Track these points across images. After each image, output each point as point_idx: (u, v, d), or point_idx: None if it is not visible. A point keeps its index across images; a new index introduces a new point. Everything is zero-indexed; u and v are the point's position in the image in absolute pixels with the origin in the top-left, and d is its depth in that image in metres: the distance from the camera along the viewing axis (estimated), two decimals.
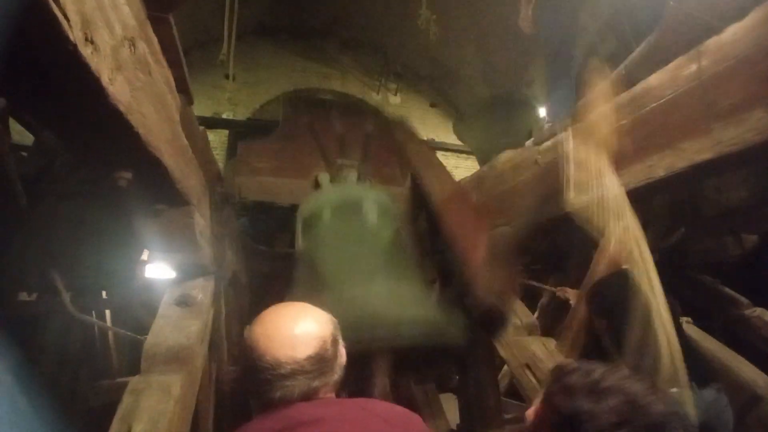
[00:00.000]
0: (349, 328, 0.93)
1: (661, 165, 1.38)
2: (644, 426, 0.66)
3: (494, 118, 4.47)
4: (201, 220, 1.70)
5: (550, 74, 2.41)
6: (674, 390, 1.36)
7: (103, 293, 2.40)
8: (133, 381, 1.31)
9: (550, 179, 1.89)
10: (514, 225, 2.14)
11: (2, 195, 1.85)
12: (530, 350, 1.87)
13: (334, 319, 0.89)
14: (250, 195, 2.92)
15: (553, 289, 2.62)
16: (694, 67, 1.28)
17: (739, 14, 1.17)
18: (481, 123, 4.69)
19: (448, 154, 5.84)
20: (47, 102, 0.82)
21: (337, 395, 0.86)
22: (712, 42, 1.23)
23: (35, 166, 2.25)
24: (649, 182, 1.43)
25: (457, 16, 4.13)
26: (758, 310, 2.47)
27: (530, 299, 2.64)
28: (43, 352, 2.44)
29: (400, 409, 0.85)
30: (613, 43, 2.50)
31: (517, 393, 2.66)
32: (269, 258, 3.28)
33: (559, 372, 0.78)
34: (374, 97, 6.10)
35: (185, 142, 1.46)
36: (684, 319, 2.33)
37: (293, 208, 3.10)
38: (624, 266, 1.71)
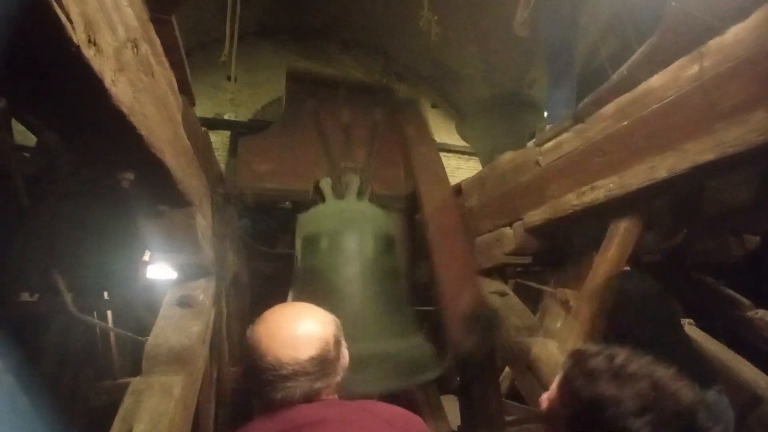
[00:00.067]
0: None
1: (663, 166, 1.38)
2: (672, 413, 0.62)
3: (498, 118, 4.47)
4: (203, 221, 1.70)
5: (551, 75, 2.41)
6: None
7: (105, 294, 2.40)
8: (135, 381, 1.31)
9: (551, 180, 1.89)
10: (516, 227, 2.14)
11: (4, 195, 1.85)
12: (532, 352, 1.87)
13: (336, 319, 0.88)
14: (251, 198, 2.91)
15: (552, 290, 2.61)
16: (695, 68, 1.27)
17: (741, 15, 1.17)
18: (485, 123, 4.69)
19: (450, 155, 5.84)
20: (50, 103, 0.83)
21: (339, 397, 0.86)
22: (714, 43, 1.23)
23: (37, 166, 2.26)
24: (651, 183, 1.43)
25: (458, 16, 4.14)
26: (760, 312, 2.47)
27: (531, 301, 2.63)
28: (44, 352, 2.44)
29: (402, 411, 0.85)
30: (614, 44, 2.50)
31: (518, 395, 2.66)
32: (270, 259, 3.28)
33: (579, 356, 0.73)
34: None
35: (187, 143, 1.47)
36: (686, 320, 2.33)
37: (295, 209, 3.11)
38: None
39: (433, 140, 3.20)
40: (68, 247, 2.09)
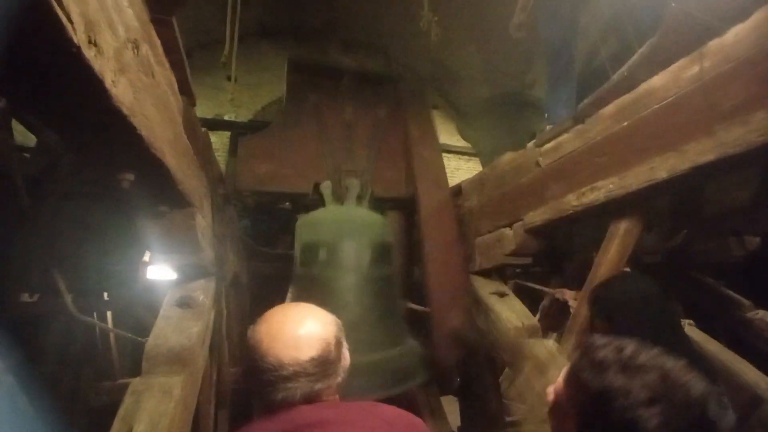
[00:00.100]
0: None
1: (663, 167, 1.38)
2: (683, 403, 0.61)
3: (499, 119, 4.47)
4: (203, 222, 1.70)
5: (551, 75, 2.41)
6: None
7: (105, 294, 2.40)
8: (134, 382, 1.31)
9: (551, 181, 1.89)
10: (515, 227, 2.14)
11: (5, 195, 1.85)
12: (532, 353, 1.87)
13: (338, 320, 0.88)
14: (251, 199, 2.89)
15: (552, 291, 2.62)
16: (696, 68, 1.27)
17: (741, 15, 1.17)
18: (486, 124, 4.69)
19: (450, 156, 5.84)
20: (50, 103, 0.83)
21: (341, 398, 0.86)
22: (714, 43, 1.23)
23: (37, 166, 2.26)
24: (652, 184, 1.43)
25: (458, 17, 4.14)
26: (760, 312, 2.46)
27: (532, 301, 2.63)
28: (44, 352, 2.44)
29: (403, 413, 0.85)
30: (614, 44, 2.49)
31: (518, 395, 2.65)
32: (270, 259, 3.28)
33: (587, 347, 0.72)
34: None
35: (187, 143, 1.47)
36: (686, 321, 2.32)
37: (294, 209, 3.10)
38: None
39: (436, 139, 3.14)
40: (68, 248, 2.09)
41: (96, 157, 1.09)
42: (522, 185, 2.10)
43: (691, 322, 2.35)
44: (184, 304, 1.60)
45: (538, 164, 1.97)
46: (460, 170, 5.64)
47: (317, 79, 3.05)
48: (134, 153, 1.02)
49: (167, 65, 1.30)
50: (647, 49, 1.45)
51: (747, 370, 2.20)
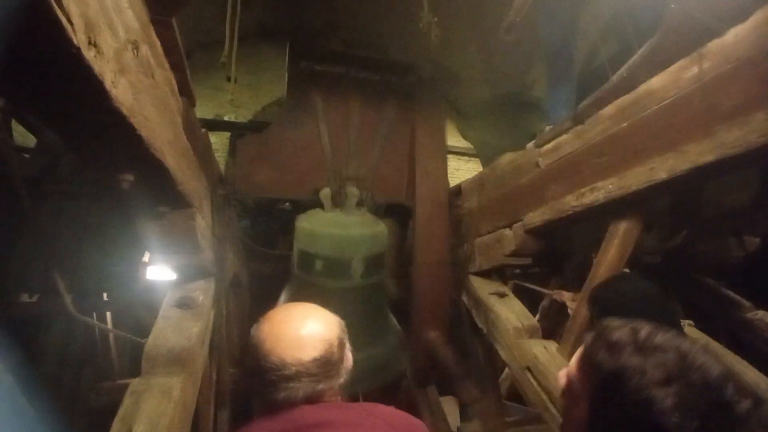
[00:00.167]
0: None
1: (663, 167, 1.38)
2: (700, 384, 0.59)
3: (499, 119, 4.47)
4: (202, 222, 1.70)
5: (551, 76, 2.41)
6: None
7: (105, 294, 2.40)
8: (134, 383, 1.31)
9: (551, 181, 1.89)
10: (515, 228, 2.14)
11: (5, 196, 1.85)
12: (531, 353, 1.87)
13: (341, 321, 0.88)
14: (250, 201, 2.89)
15: (550, 292, 2.62)
16: (695, 69, 1.27)
17: (741, 15, 1.17)
18: (487, 125, 4.69)
19: (450, 156, 5.83)
20: (50, 104, 0.83)
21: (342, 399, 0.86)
22: (714, 44, 1.23)
23: (37, 167, 2.26)
24: (651, 184, 1.43)
25: (458, 17, 4.14)
26: (760, 313, 2.46)
27: (531, 302, 2.64)
28: (44, 353, 2.44)
29: (404, 415, 0.85)
30: (614, 45, 2.49)
31: (518, 396, 2.65)
32: (270, 259, 3.28)
33: (602, 329, 0.70)
34: None
35: (187, 144, 1.47)
36: (686, 322, 2.32)
37: (294, 210, 3.10)
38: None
39: (444, 150, 2.99)
40: (68, 248, 2.09)
41: (96, 158, 1.09)
42: (522, 186, 2.10)
43: (691, 322, 2.35)
44: (184, 304, 1.60)
45: (537, 165, 1.97)
46: (460, 170, 5.63)
47: (321, 70, 2.76)
48: (134, 153, 1.02)
49: (167, 66, 1.30)
50: (647, 49, 1.45)
51: (747, 371, 2.20)
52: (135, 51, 0.94)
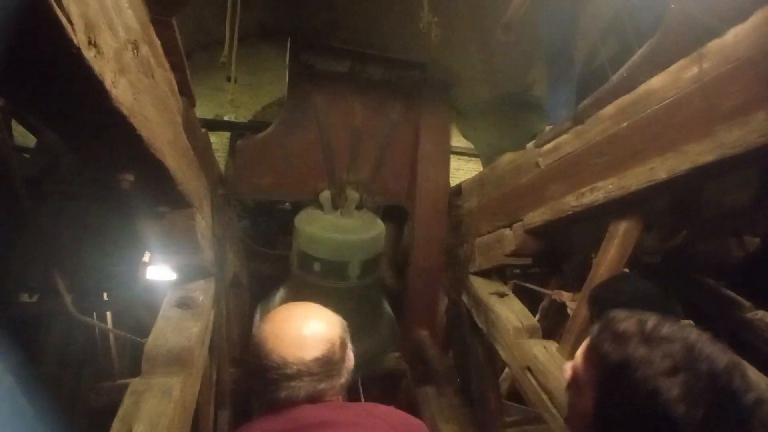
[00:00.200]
0: None
1: (663, 167, 1.38)
2: (707, 374, 0.58)
3: (500, 119, 4.46)
4: (202, 222, 1.70)
5: (551, 76, 2.41)
6: None
7: (105, 294, 2.40)
8: (134, 383, 1.31)
9: (551, 181, 1.89)
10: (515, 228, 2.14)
11: (5, 196, 1.85)
12: (531, 353, 1.87)
13: (343, 321, 0.89)
14: (250, 201, 2.90)
15: (549, 292, 2.62)
16: (695, 69, 1.27)
17: (741, 15, 1.17)
18: (487, 125, 4.68)
19: (450, 156, 5.84)
20: (50, 104, 0.83)
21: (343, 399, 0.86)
22: (714, 44, 1.23)
23: (37, 167, 2.26)
24: (651, 184, 1.43)
25: (458, 17, 4.14)
26: (760, 313, 2.46)
27: (531, 302, 2.64)
28: (44, 353, 2.45)
29: (404, 415, 0.86)
30: (614, 45, 2.50)
31: (518, 396, 2.65)
32: (270, 259, 3.28)
33: (608, 321, 0.69)
34: None
35: (187, 144, 1.47)
36: (686, 322, 2.32)
37: (294, 210, 3.10)
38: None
39: (448, 155, 2.95)
40: (68, 248, 2.09)
41: (96, 158, 1.09)
42: (522, 186, 2.10)
43: (691, 322, 2.35)
44: (184, 304, 1.60)
45: (537, 165, 1.97)
46: (460, 170, 5.64)
47: (322, 69, 2.62)
48: (134, 153, 1.02)
49: (167, 66, 1.30)
50: (647, 49, 1.45)
51: (747, 371, 2.20)
52: (135, 51, 0.94)
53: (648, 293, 1.37)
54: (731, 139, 1.17)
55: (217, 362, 2.02)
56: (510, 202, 2.19)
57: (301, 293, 2.61)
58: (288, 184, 2.66)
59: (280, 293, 2.94)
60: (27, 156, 2.42)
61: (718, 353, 0.61)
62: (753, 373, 2.19)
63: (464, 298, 2.52)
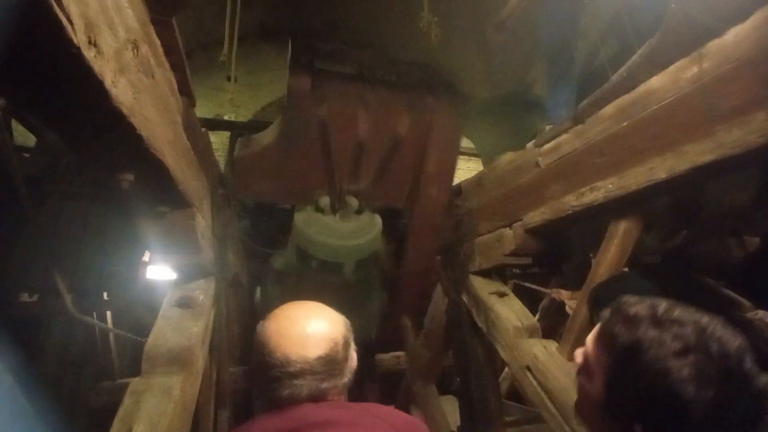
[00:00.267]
0: None
1: (662, 167, 1.38)
2: (718, 355, 0.58)
3: (500, 119, 4.46)
4: (202, 222, 1.70)
5: (551, 76, 2.41)
6: None
7: (105, 294, 2.40)
8: (134, 382, 1.31)
9: (551, 181, 1.89)
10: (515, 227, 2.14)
11: (5, 196, 1.85)
12: (531, 352, 1.87)
13: (347, 321, 0.89)
14: (250, 201, 2.92)
15: (549, 291, 2.62)
16: (695, 69, 1.28)
17: (741, 15, 1.17)
18: (487, 124, 4.68)
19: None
20: (50, 104, 0.83)
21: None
22: (714, 44, 1.23)
23: (37, 167, 2.26)
24: (651, 184, 1.43)
25: (458, 17, 4.14)
26: (760, 313, 2.46)
27: (531, 301, 2.64)
28: (44, 353, 2.45)
29: (404, 415, 0.87)
30: (614, 45, 2.50)
31: (518, 395, 2.66)
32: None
33: (619, 305, 0.69)
34: None
35: (187, 144, 1.47)
36: None
37: (294, 210, 3.10)
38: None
39: (452, 173, 2.85)
40: (68, 248, 2.09)
41: (96, 158, 1.09)
42: (521, 185, 2.10)
43: None
44: (184, 304, 1.60)
45: (537, 164, 1.97)
46: (460, 170, 5.63)
47: (325, 70, 2.46)
48: (134, 153, 1.02)
49: (167, 66, 1.30)
50: (647, 49, 1.45)
51: None
52: (135, 51, 0.94)
53: (648, 293, 1.37)
54: (731, 139, 1.17)
55: (217, 362, 2.02)
56: (510, 201, 2.19)
57: (296, 285, 2.80)
58: (286, 189, 2.62)
59: (279, 260, 3.07)
60: (27, 156, 2.42)
61: (729, 336, 0.61)
62: None
63: (464, 297, 2.52)
